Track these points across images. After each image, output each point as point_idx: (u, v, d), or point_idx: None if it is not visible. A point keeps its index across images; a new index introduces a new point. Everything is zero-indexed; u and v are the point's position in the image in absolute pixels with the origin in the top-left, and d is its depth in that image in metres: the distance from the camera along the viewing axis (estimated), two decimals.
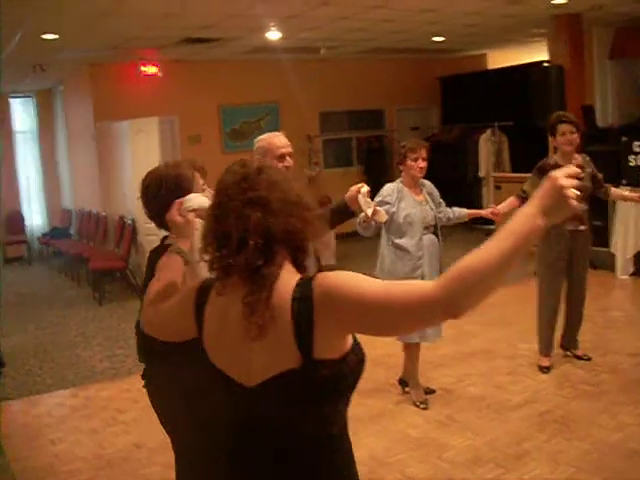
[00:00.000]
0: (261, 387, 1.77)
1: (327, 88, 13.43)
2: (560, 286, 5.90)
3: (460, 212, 5.53)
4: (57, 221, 14.25)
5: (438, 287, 1.62)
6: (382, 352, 6.35)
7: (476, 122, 13.31)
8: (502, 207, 5.62)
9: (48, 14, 7.46)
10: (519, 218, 1.61)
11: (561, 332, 6.12)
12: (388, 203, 5.11)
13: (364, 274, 1.76)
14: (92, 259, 10.31)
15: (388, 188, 5.22)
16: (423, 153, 5.14)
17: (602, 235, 8.77)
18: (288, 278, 1.78)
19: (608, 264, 9.03)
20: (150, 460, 4.73)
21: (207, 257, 1.84)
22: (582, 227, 5.75)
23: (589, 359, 6.02)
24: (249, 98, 12.81)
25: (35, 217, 14.51)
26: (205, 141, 12.36)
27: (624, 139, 8.96)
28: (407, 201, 5.16)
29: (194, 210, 2.51)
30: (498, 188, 11.42)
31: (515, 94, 11.98)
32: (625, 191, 6.90)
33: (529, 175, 5.80)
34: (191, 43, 10.01)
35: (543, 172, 5.47)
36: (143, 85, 11.55)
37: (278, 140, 4.29)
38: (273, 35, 9.76)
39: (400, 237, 5.17)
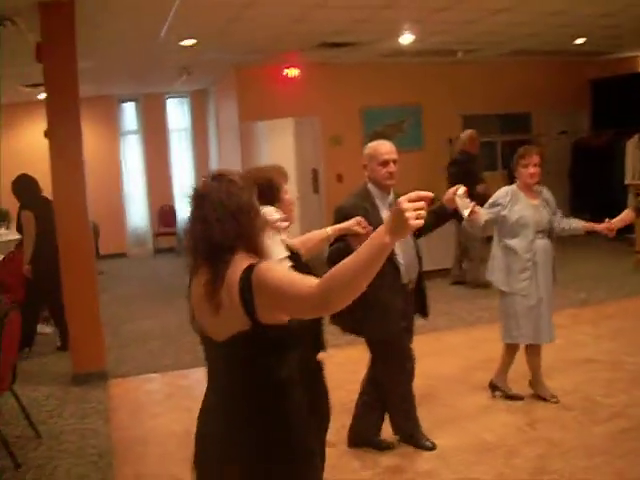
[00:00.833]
0: (225, 342, 2.30)
1: (471, 90, 13.30)
2: None
3: (576, 224, 5.46)
4: None
5: (315, 285, 2.09)
6: (484, 356, 6.37)
7: (627, 127, 12.81)
8: (617, 221, 5.40)
9: (183, 21, 7.91)
10: (374, 235, 2.05)
11: None
12: (499, 205, 5.23)
13: None
14: None
15: (502, 190, 5.34)
16: (534, 159, 5.22)
17: None
18: (240, 264, 2.27)
19: None
20: None
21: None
22: None
23: None
24: (391, 100, 12.88)
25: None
26: (346, 142, 12.56)
27: None
28: (521, 204, 5.22)
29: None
30: (639, 196, 10.97)
31: None
32: None
33: None
34: (327, 47, 10.23)
35: None
36: (286, 87, 11.94)
37: (383, 147, 4.60)
38: (406, 39, 9.82)
39: (512, 238, 5.26)
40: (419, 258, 4.67)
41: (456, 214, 4.75)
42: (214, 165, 14.71)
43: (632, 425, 4.92)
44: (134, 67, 11.18)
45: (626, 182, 12.25)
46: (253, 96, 11.83)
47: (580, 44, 11.72)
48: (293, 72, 11.77)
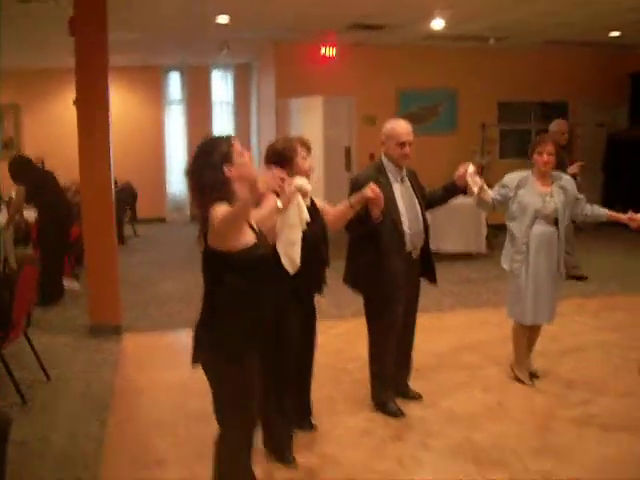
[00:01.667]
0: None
1: (508, 77, 13.47)
2: None
3: (599, 211, 5.61)
4: None
5: (218, 219, 3.05)
6: (477, 338, 6.68)
7: None
8: None
9: None
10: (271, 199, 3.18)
11: None
12: (506, 187, 5.46)
13: None
14: None
15: (512, 174, 5.54)
16: (549, 149, 5.35)
17: None
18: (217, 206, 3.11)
19: None
20: None
21: None
22: None
23: None
24: (427, 83, 13.15)
25: None
26: (381, 123, 12.76)
27: None
28: (528, 189, 5.41)
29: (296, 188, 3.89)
30: None
31: None
32: None
33: None
34: (360, 29, 10.51)
35: None
36: (323, 66, 12.22)
37: (402, 129, 4.88)
38: (437, 24, 10.03)
39: (511, 221, 5.50)
40: (426, 229, 5.02)
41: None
42: (254, 138, 15.10)
43: (598, 413, 5.13)
44: (176, 39, 11.59)
45: None
46: (290, 73, 12.17)
47: (616, 37, 11.77)
48: (330, 51, 12.04)
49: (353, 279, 5.03)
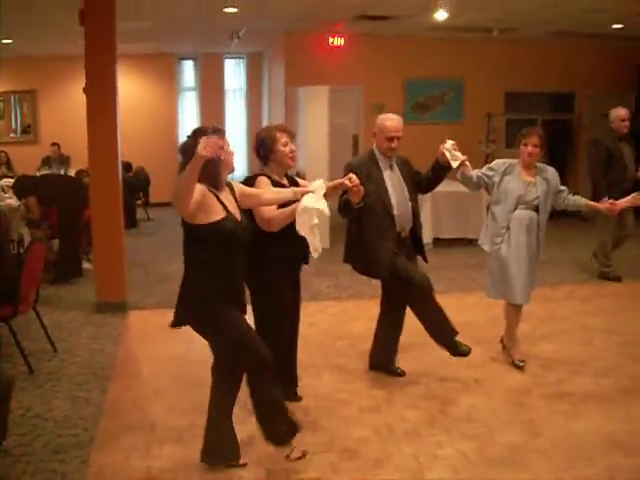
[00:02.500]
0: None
1: (515, 68, 13.70)
2: None
3: (580, 201, 5.88)
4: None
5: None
6: (464, 320, 6.96)
7: None
8: (622, 202, 5.84)
9: None
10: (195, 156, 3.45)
11: None
12: (494, 171, 5.73)
13: None
14: None
15: (501, 160, 5.83)
16: (534, 140, 5.61)
17: None
18: None
19: None
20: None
21: None
22: None
23: None
24: (435, 73, 13.43)
25: (240, 169, 16.05)
26: (388, 111, 13.02)
27: None
28: (513, 176, 5.68)
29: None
30: None
31: None
32: None
33: None
34: (366, 19, 10.78)
35: None
36: (331, 55, 12.57)
37: (391, 124, 5.24)
38: (440, 15, 10.28)
39: (495, 205, 5.79)
40: (414, 212, 5.40)
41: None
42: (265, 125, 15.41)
43: (571, 391, 5.42)
44: (188, 28, 11.91)
45: None
46: (299, 62, 12.51)
47: (619, 29, 11.96)
48: (339, 41, 12.36)
49: (351, 259, 5.45)
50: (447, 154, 5.23)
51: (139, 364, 6.04)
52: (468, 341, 6.28)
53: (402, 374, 5.71)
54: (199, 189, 3.66)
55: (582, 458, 4.35)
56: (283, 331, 4.78)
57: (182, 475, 3.98)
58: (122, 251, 7.61)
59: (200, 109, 15.91)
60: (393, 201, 5.25)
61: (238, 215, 3.92)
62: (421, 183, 5.52)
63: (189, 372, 5.61)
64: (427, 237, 10.48)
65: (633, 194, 5.81)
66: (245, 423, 4.45)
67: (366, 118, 12.97)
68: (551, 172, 5.81)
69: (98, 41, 7.12)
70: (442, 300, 7.93)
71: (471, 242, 10.95)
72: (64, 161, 13.41)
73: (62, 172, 12.65)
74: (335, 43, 12.40)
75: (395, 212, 5.25)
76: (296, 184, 4.77)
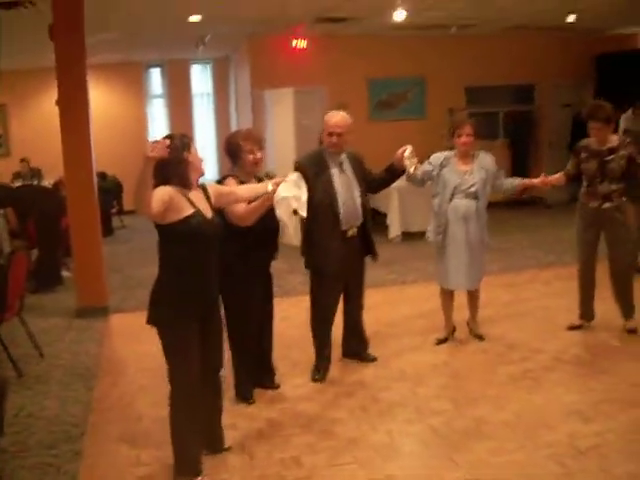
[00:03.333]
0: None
1: (474, 63, 14.06)
2: (586, 257, 6.49)
3: (515, 181, 6.28)
4: None
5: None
6: (433, 307, 7.28)
7: (625, 102, 13.36)
8: (553, 179, 6.29)
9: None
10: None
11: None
12: (431, 164, 5.99)
13: None
14: None
15: (437, 154, 6.07)
16: (466, 130, 5.92)
17: None
18: None
19: None
20: None
21: None
22: (607, 204, 6.19)
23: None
24: (396, 71, 13.77)
25: (211, 172, 16.29)
26: (352, 110, 13.35)
27: None
28: (449, 168, 5.94)
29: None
30: None
31: None
32: None
33: None
34: (326, 22, 11.10)
35: (577, 152, 6.33)
36: (295, 57, 12.84)
37: (331, 120, 5.41)
38: (399, 15, 10.59)
39: (434, 197, 6.06)
40: (364, 209, 5.51)
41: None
42: (233, 129, 15.65)
43: (533, 368, 5.76)
44: (155, 38, 12.16)
45: None
46: (264, 65, 12.79)
47: (573, 22, 12.35)
48: (302, 43, 12.65)
49: (303, 254, 5.53)
50: (407, 162, 5.45)
51: (123, 363, 6.31)
52: (437, 326, 6.65)
53: (374, 359, 6.00)
54: (168, 190, 3.77)
55: (544, 427, 4.68)
56: (251, 330, 5.12)
57: (171, 461, 4.26)
58: (101, 257, 7.87)
59: (169, 115, 16.13)
60: (340, 199, 5.31)
61: (208, 213, 3.98)
62: (372, 183, 5.66)
63: None
64: (396, 230, 10.80)
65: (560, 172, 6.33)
66: (227, 411, 4.71)
67: None
68: (488, 159, 6.08)
69: (68, 54, 7.39)
70: (411, 289, 8.40)
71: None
72: (35, 174, 13.59)
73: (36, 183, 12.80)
74: (298, 45, 12.68)
75: (341, 210, 5.32)
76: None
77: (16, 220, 9.12)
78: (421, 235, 11.00)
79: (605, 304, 6.62)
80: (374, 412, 5.06)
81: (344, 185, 5.39)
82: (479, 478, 4.07)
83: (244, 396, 5.16)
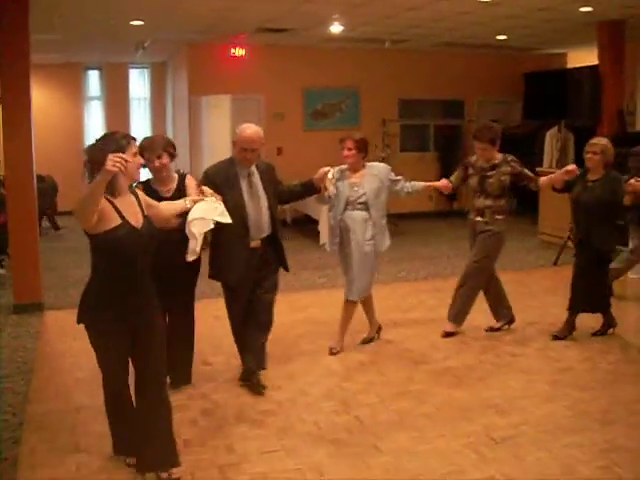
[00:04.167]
0: None
1: (408, 76, 14.58)
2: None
3: (417, 185, 6.48)
4: None
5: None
6: None
7: (552, 118, 13.92)
8: (441, 184, 6.64)
9: (131, 2, 9.08)
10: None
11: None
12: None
13: None
14: None
15: (335, 169, 5.97)
16: (348, 144, 5.99)
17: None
18: None
19: None
20: None
21: None
22: (479, 218, 6.60)
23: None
24: (331, 82, 14.16)
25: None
26: (288, 119, 13.76)
27: None
28: (343, 181, 6.08)
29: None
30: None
31: (575, 94, 12.75)
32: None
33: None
34: (265, 32, 11.38)
35: (465, 167, 6.70)
36: (233, 65, 13.12)
37: (245, 136, 5.20)
38: (335, 28, 10.94)
39: (331, 210, 6.25)
40: (273, 220, 5.41)
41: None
42: (170, 133, 15.79)
43: (456, 366, 6.11)
44: (95, 40, 12.25)
45: (537, 169, 13.38)
46: (202, 72, 13.01)
47: (503, 40, 12.89)
48: (240, 52, 12.94)
49: (209, 263, 5.45)
50: (330, 186, 5.63)
51: (59, 358, 6.44)
52: (364, 327, 6.93)
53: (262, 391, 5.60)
54: None
55: (462, 419, 5.02)
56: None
57: (108, 448, 4.43)
58: (37, 256, 7.98)
59: (105, 118, 16.16)
60: (248, 210, 5.22)
61: (138, 221, 3.86)
62: (283, 194, 5.59)
63: None
64: (327, 236, 11.04)
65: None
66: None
67: (267, 126, 13.42)
68: (380, 167, 6.25)
69: (13, 53, 7.50)
70: (341, 293, 8.60)
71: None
72: None
73: None
74: (236, 54, 12.95)
75: (248, 221, 5.24)
76: (183, 180, 5.13)
77: None
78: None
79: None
80: (302, 404, 5.33)
81: (252, 196, 5.28)
82: (402, 464, 4.37)
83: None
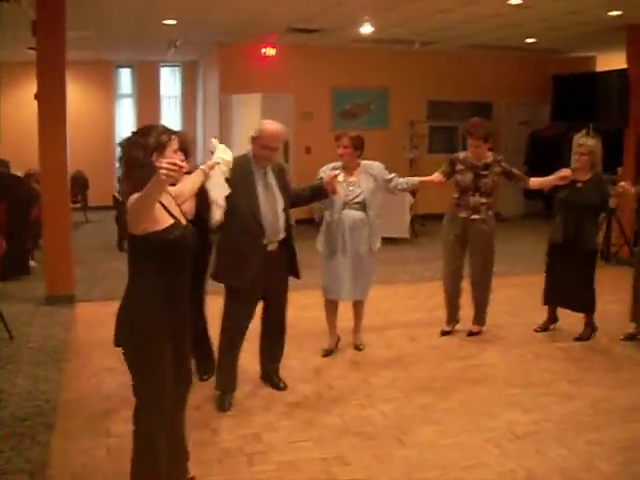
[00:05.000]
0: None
1: (437, 78, 14.60)
2: (454, 267, 6.87)
3: (411, 180, 6.49)
4: None
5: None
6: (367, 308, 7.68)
7: (580, 121, 13.89)
8: (434, 178, 6.59)
9: (164, 2, 9.25)
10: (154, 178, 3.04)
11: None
12: (321, 178, 5.71)
13: None
14: None
15: (325, 167, 5.99)
16: (344, 142, 5.87)
17: None
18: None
19: None
20: None
21: None
22: (475, 216, 6.61)
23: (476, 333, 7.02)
24: (360, 82, 14.22)
25: None
26: (317, 118, 13.87)
27: None
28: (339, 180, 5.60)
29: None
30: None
31: (603, 97, 12.74)
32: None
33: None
34: (296, 32, 11.51)
35: (452, 162, 6.67)
36: (263, 65, 13.24)
37: (270, 133, 4.91)
38: (366, 29, 11.03)
39: (326, 209, 6.10)
40: (288, 224, 5.16)
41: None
42: (200, 131, 15.98)
43: (480, 364, 6.20)
44: (128, 38, 12.44)
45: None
46: (233, 71, 13.15)
47: (532, 43, 12.92)
48: (270, 51, 13.06)
49: (215, 263, 5.19)
50: (339, 187, 5.33)
51: (90, 347, 6.56)
52: (389, 324, 7.05)
53: (284, 387, 5.60)
54: None
55: (485, 415, 5.11)
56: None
57: None
58: (70, 248, 8.16)
59: (137, 115, 16.36)
60: (262, 210, 4.93)
61: (181, 217, 3.58)
62: (295, 199, 5.34)
63: None
64: None
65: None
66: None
67: (296, 124, 13.64)
68: (375, 166, 6.08)
69: (50, 50, 7.65)
70: (402, 289, 8.69)
71: (395, 241, 11.72)
72: (3, 164, 13.68)
73: None
74: (267, 53, 13.07)
75: (263, 222, 4.94)
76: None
77: None
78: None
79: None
80: (328, 398, 5.45)
81: (268, 197, 5.00)
82: (425, 457, 4.46)
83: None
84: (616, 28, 10.84)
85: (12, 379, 5.72)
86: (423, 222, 13.12)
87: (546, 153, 14.66)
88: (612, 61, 14.44)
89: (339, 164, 5.97)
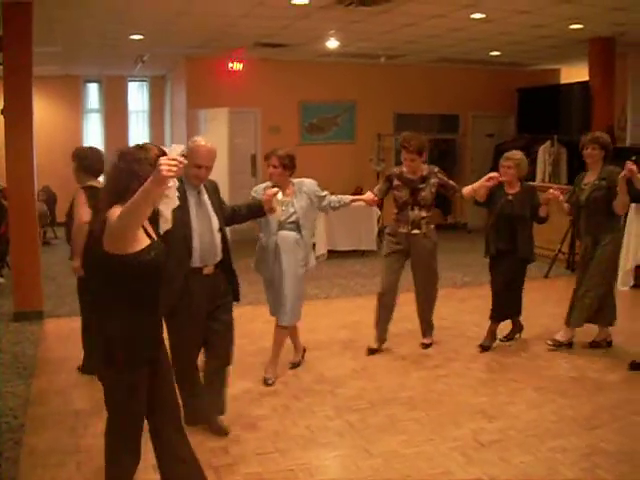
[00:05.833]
0: None
1: (403, 91, 14.79)
2: (392, 280, 6.77)
3: (344, 199, 6.22)
4: None
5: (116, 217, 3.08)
6: (353, 319, 7.74)
7: (544, 133, 14.12)
8: (367, 198, 6.35)
9: (131, 17, 9.27)
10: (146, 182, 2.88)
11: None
12: (253, 198, 5.69)
13: None
14: None
15: (257, 187, 5.95)
16: (273, 161, 5.69)
17: None
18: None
19: None
20: None
21: None
22: (416, 231, 6.63)
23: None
24: (328, 96, 14.36)
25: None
26: (284, 132, 13.95)
27: (633, 158, 9.72)
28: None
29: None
30: None
31: (566, 109, 12.98)
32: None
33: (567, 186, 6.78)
34: (263, 47, 11.60)
35: (389, 179, 6.70)
36: (230, 79, 13.29)
37: (201, 151, 4.62)
38: (332, 44, 11.16)
39: (261, 231, 5.96)
40: (225, 245, 4.85)
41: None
42: (168, 146, 15.94)
43: (447, 374, 6.30)
44: (95, 54, 12.45)
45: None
46: (200, 86, 13.21)
47: (496, 56, 13.13)
48: (237, 66, 13.14)
49: None
50: (278, 206, 5.16)
51: (58, 363, 6.57)
52: (357, 336, 7.13)
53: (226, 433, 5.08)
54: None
55: (451, 424, 5.20)
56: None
57: None
58: (38, 265, 8.16)
59: (104, 130, 16.35)
60: (195, 233, 4.65)
61: (154, 236, 3.42)
62: (231, 217, 5.15)
63: None
64: (322, 249, 11.27)
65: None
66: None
67: (263, 138, 13.77)
68: (307, 183, 5.93)
69: (17, 65, 7.67)
70: (335, 303, 8.87)
71: (363, 253, 11.85)
72: None
73: None
74: (234, 68, 13.13)
75: (195, 245, 4.66)
76: None
77: None
78: (346, 254, 11.63)
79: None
80: (295, 410, 5.50)
81: (203, 217, 4.73)
82: (391, 466, 4.54)
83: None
84: (578, 41, 11.05)
85: None
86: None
87: None
88: (576, 73, 14.76)
89: (269, 184, 5.75)
